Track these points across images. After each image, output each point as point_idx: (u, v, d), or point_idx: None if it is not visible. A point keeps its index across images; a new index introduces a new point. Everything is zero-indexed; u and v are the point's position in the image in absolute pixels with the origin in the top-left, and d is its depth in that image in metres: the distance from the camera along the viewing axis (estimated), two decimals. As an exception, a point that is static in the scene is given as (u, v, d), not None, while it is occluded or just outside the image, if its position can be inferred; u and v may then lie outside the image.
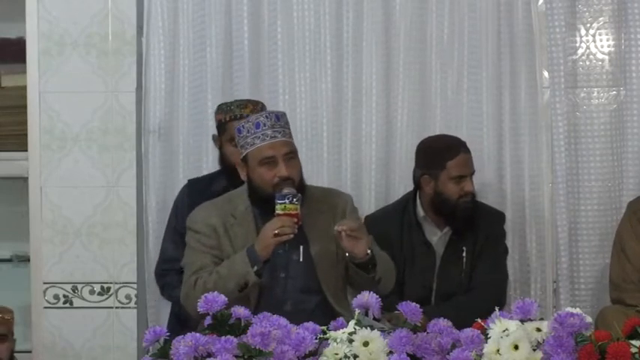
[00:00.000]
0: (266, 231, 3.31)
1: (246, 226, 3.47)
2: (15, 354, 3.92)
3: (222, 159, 4.00)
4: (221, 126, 3.96)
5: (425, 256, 3.90)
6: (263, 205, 3.42)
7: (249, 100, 4.03)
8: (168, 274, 4.03)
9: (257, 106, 3.93)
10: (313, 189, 3.63)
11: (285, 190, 3.32)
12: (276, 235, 3.27)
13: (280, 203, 3.29)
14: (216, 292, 3.11)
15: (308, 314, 3.33)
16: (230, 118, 3.93)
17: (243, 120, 3.55)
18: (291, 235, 3.28)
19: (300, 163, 3.49)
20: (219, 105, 4.04)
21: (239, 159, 3.50)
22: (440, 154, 3.86)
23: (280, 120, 3.44)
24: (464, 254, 3.88)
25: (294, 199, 3.29)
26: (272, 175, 3.38)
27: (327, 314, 3.31)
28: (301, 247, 3.43)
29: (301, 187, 3.44)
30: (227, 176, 3.93)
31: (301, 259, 3.42)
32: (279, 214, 3.29)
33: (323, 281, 3.45)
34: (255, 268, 3.30)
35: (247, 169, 3.45)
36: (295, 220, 3.28)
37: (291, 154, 3.43)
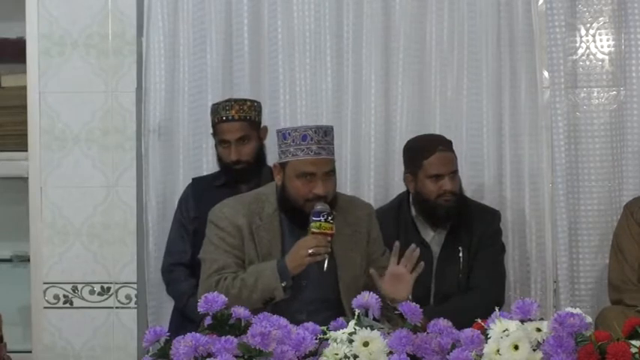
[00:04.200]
0: (300, 249, 3.28)
1: (272, 230, 3.44)
2: (14, 354, 3.92)
3: (218, 158, 4.06)
4: (213, 127, 4.03)
5: (421, 255, 3.89)
6: (291, 214, 3.42)
7: (237, 100, 4.05)
8: (175, 269, 4.04)
9: (244, 106, 3.98)
10: (340, 198, 3.60)
11: (319, 207, 3.30)
12: (311, 254, 3.25)
13: (316, 221, 3.27)
14: (238, 300, 3.09)
15: (321, 324, 3.33)
16: (218, 120, 4.00)
17: (289, 128, 3.53)
18: (326, 256, 3.26)
19: (336, 180, 3.47)
20: (212, 104, 4.10)
21: (276, 162, 3.49)
22: (417, 153, 3.87)
23: (327, 136, 3.42)
24: (460, 254, 3.88)
25: (329, 218, 3.27)
26: (308, 191, 3.35)
27: None
28: (326, 257, 3.36)
29: (333, 202, 3.42)
30: (224, 174, 4.01)
31: (325, 269, 3.35)
32: (314, 232, 3.27)
33: (344, 291, 3.42)
34: (285, 284, 3.29)
35: (284, 176, 3.42)
36: (329, 239, 3.27)
37: (331, 172, 3.41)
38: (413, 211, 3.93)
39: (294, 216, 3.39)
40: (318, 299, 3.42)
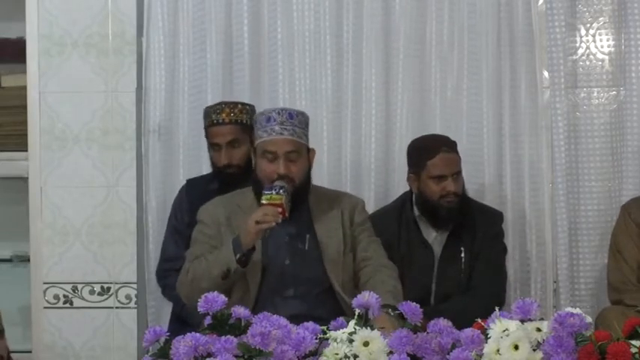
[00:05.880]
0: (249, 220, 3.31)
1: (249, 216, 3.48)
2: (14, 354, 3.92)
3: (211, 162, 4.06)
4: (205, 130, 4.03)
5: (423, 255, 3.90)
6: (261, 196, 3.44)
7: (227, 103, 4.04)
8: (170, 274, 4.04)
9: (235, 109, 3.96)
10: (327, 190, 3.69)
11: (275, 183, 3.35)
12: (257, 222, 3.27)
13: (266, 194, 3.31)
14: (202, 279, 3.28)
15: (311, 302, 3.36)
16: (209, 123, 4.00)
17: (259, 112, 3.57)
18: (273, 224, 3.27)
19: (306, 163, 3.49)
20: (205, 107, 4.09)
21: (253, 147, 3.55)
22: (421, 153, 3.87)
23: (293, 118, 3.45)
24: (462, 254, 3.88)
25: (281, 190, 3.30)
26: (271, 171, 3.40)
27: (329, 303, 3.33)
28: (307, 236, 3.45)
29: (304, 187, 3.46)
30: (216, 178, 4.00)
31: (307, 248, 3.44)
32: (263, 204, 3.31)
33: (330, 270, 3.45)
34: (238, 255, 3.31)
35: (255, 158, 3.49)
36: (279, 210, 3.28)
37: (295, 153, 3.43)
38: (416, 211, 3.93)
39: None
40: (305, 277, 3.44)
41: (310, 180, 3.56)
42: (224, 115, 3.96)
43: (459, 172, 3.87)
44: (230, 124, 3.95)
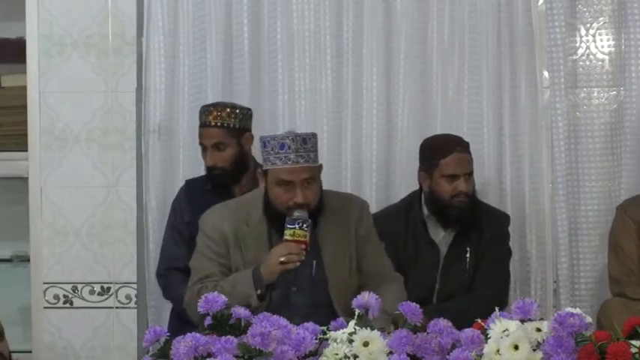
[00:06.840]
0: (272, 256, 3.29)
1: (259, 237, 3.44)
2: (14, 354, 3.92)
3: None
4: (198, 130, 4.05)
5: (429, 255, 3.90)
6: (275, 219, 3.41)
7: (216, 105, 4.01)
8: (169, 273, 4.04)
9: (222, 112, 3.96)
10: (332, 197, 3.58)
11: (296, 214, 3.30)
12: (282, 262, 3.25)
13: (290, 228, 3.27)
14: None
15: None
16: (200, 124, 4.01)
17: (269, 136, 3.48)
18: (298, 264, 3.26)
19: (319, 184, 3.45)
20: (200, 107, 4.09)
21: (260, 169, 3.50)
22: (435, 151, 3.88)
23: (307, 143, 3.36)
24: (467, 254, 3.88)
25: (304, 225, 3.27)
26: (287, 198, 3.34)
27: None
28: (314, 262, 3.40)
29: (318, 208, 3.42)
30: (209, 179, 4.00)
31: (313, 274, 3.40)
32: (287, 240, 3.27)
33: (334, 296, 3.42)
34: (259, 291, 3.29)
35: (266, 182, 3.42)
36: (303, 246, 3.26)
37: (311, 179, 3.37)
38: (425, 211, 3.93)
39: (277, 222, 3.37)
40: (310, 304, 3.41)
41: (323, 198, 3.49)
42: (211, 117, 3.96)
43: (470, 173, 3.88)
44: (215, 127, 3.94)
